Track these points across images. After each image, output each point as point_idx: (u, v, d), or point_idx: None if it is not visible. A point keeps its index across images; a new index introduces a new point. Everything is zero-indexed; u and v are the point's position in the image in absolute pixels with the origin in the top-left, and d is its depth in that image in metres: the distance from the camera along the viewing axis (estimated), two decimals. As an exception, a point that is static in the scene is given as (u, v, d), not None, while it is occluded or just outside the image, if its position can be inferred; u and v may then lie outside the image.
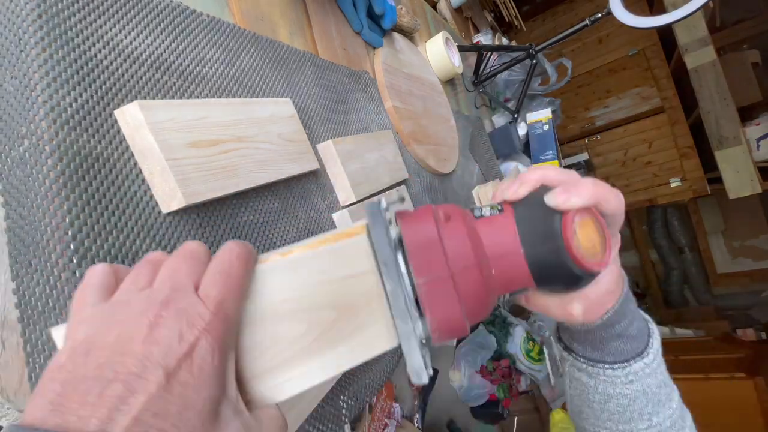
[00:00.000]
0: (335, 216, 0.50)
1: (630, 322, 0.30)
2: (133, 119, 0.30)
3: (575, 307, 0.27)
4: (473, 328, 0.30)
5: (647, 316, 0.33)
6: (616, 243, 0.27)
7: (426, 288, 0.22)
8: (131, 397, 0.15)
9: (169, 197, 0.31)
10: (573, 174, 0.25)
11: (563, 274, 0.23)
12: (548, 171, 0.25)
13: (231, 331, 0.19)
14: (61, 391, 0.15)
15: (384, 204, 0.23)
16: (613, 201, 0.24)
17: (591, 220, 0.23)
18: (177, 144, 0.32)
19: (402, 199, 0.26)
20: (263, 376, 0.20)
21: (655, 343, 0.31)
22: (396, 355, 0.52)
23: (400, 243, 0.22)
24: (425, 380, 0.22)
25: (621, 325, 0.30)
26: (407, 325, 0.21)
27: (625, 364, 0.30)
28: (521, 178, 0.25)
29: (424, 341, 0.22)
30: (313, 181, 0.49)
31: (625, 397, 0.31)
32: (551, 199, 0.23)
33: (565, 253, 0.22)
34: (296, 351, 0.21)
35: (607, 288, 0.27)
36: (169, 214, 0.32)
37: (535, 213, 0.24)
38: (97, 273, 0.20)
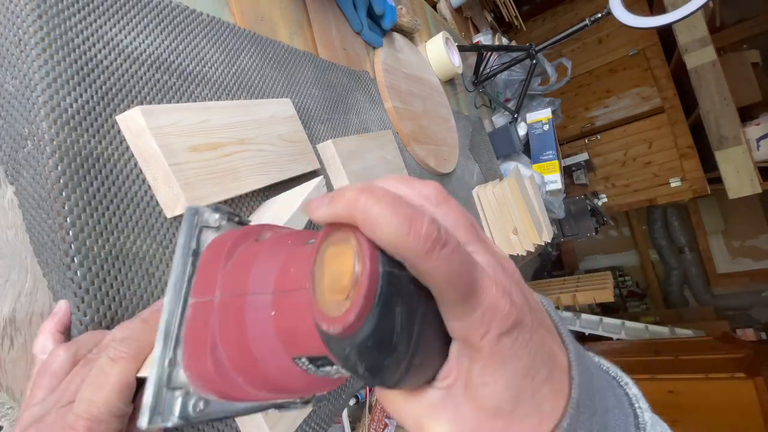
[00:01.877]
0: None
1: (604, 413, 0.17)
2: (136, 125, 0.30)
3: (434, 426, 0.16)
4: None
5: (639, 421, 0.19)
6: (503, 307, 0.14)
7: (191, 312, 0.19)
8: None
9: (173, 202, 0.31)
10: (392, 183, 0.16)
11: (319, 331, 0.14)
12: (368, 200, 0.13)
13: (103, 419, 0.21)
14: None
15: (204, 211, 0.21)
16: (387, 227, 0.12)
17: (348, 246, 0.13)
18: (179, 149, 0.32)
19: (235, 217, 0.23)
20: None
21: (640, 402, 0.20)
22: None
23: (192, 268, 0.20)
24: (143, 425, 0.17)
25: None
26: (161, 349, 0.18)
27: None
28: (333, 194, 0.14)
29: (173, 379, 0.18)
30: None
31: None
32: (307, 207, 0.15)
33: (313, 290, 0.14)
34: None
35: (496, 408, 0.15)
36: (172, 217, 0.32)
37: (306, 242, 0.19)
38: (48, 375, 0.23)
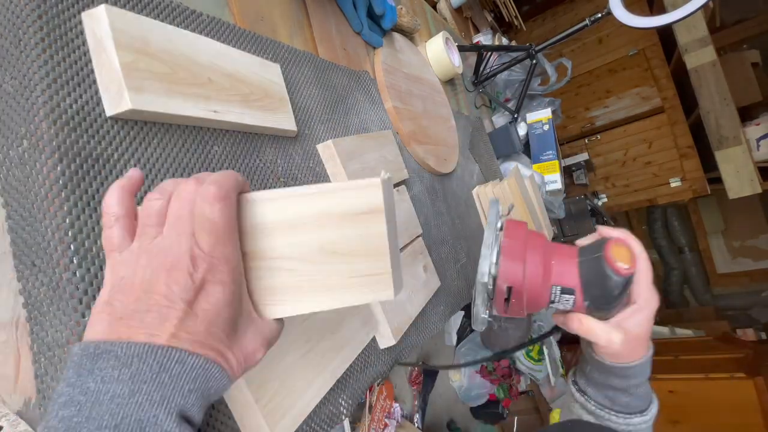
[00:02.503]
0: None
1: (642, 385, 0.37)
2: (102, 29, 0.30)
3: (616, 335, 0.34)
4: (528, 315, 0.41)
5: (653, 393, 0.40)
6: (651, 297, 0.35)
7: (507, 243, 0.36)
8: (165, 322, 0.21)
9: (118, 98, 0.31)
10: (615, 228, 0.38)
11: (600, 275, 0.33)
12: (603, 230, 0.38)
13: (230, 263, 0.23)
14: (110, 321, 0.21)
15: (501, 204, 0.41)
16: (637, 245, 0.35)
17: (624, 246, 0.34)
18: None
19: (511, 208, 0.43)
20: (268, 296, 0.26)
21: (654, 410, 0.38)
22: (392, 355, 0.52)
23: (501, 226, 0.38)
24: (486, 280, 0.35)
25: (635, 382, 0.37)
26: (487, 251, 0.35)
27: (628, 416, 0.38)
28: (588, 237, 0.39)
29: (491, 272, 0.35)
30: (312, 180, 0.49)
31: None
32: (601, 230, 0.37)
33: (603, 258, 0.33)
34: (295, 283, 0.26)
35: (640, 333, 0.35)
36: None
37: (590, 245, 0.36)
38: (117, 219, 0.23)
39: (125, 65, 0.30)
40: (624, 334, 0.34)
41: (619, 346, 0.34)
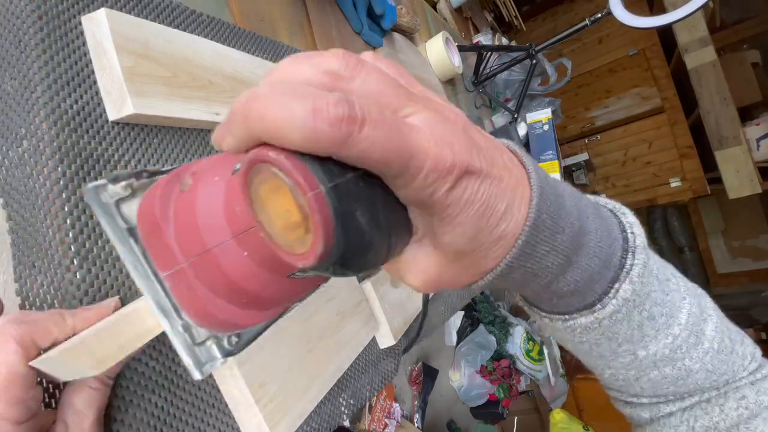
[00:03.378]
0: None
1: (555, 279, 0.19)
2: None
3: (409, 277, 0.18)
4: (280, 314, 0.21)
5: (627, 246, 0.21)
6: (442, 184, 0.14)
7: (170, 284, 0.18)
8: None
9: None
10: (284, 73, 0.14)
11: (287, 265, 0.14)
12: (264, 104, 0.12)
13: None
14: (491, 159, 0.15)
15: (106, 184, 0.18)
16: (293, 130, 0.11)
17: (280, 181, 0.12)
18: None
19: (143, 173, 0.19)
20: None
21: (626, 288, 0.20)
22: (396, 357, 0.52)
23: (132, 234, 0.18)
24: (197, 377, 0.19)
25: (534, 286, 0.20)
26: (168, 323, 0.19)
27: (565, 317, 0.22)
28: (230, 114, 0.13)
29: (197, 337, 0.19)
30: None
31: (582, 344, 0.24)
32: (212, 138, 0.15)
33: (265, 233, 0.14)
34: None
35: (460, 249, 0.16)
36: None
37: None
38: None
39: (126, 69, 0.30)
40: (419, 278, 0.18)
41: (423, 288, 0.19)
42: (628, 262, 0.21)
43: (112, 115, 0.30)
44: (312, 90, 0.12)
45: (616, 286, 0.20)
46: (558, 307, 0.22)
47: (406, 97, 0.14)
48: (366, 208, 0.13)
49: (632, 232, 0.21)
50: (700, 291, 0.27)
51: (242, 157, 0.14)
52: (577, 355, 0.27)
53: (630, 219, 0.22)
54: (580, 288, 0.20)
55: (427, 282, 0.18)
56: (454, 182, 0.14)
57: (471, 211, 0.15)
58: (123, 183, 0.18)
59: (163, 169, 0.20)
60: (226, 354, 0.20)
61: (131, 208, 0.19)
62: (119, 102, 0.30)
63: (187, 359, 0.19)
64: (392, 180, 0.14)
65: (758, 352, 0.27)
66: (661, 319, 0.23)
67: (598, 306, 0.21)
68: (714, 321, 0.25)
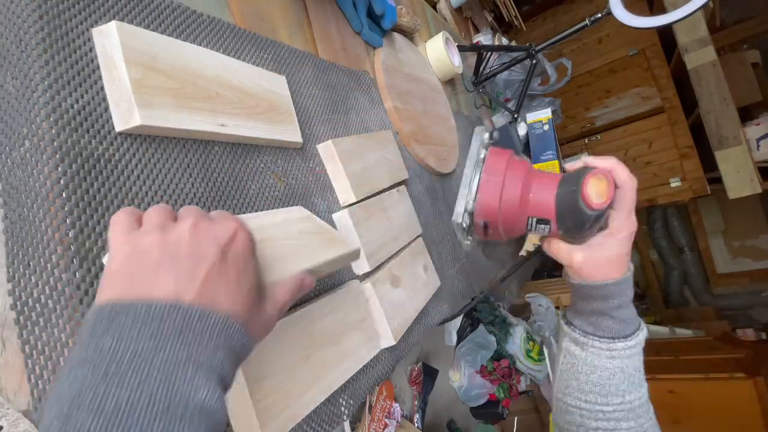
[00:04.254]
0: (335, 216, 0.50)
1: (623, 307, 0.37)
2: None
3: (577, 253, 0.37)
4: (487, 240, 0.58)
5: (641, 319, 0.40)
6: (628, 222, 0.37)
7: (485, 179, 0.39)
8: (198, 267, 0.21)
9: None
10: (601, 156, 0.38)
11: (573, 207, 0.35)
12: (591, 158, 0.38)
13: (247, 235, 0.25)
14: (127, 282, 0.20)
15: (485, 132, 0.49)
16: (624, 173, 0.36)
17: (604, 178, 0.35)
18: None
19: (496, 135, 0.45)
20: (278, 264, 0.28)
21: (641, 336, 0.39)
22: (393, 355, 0.52)
23: (483, 158, 0.40)
24: (458, 220, 0.36)
25: (614, 302, 0.37)
26: (464, 190, 0.36)
27: (611, 340, 0.38)
28: (603, 158, 0.38)
29: (468, 209, 0.36)
30: (312, 180, 0.49)
31: (606, 370, 0.38)
32: (584, 159, 0.38)
33: (579, 192, 0.34)
34: (290, 250, 0.31)
35: (609, 256, 0.37)
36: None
37: (575, 172, 0.37)
38: (125, 213, 0.23)
39: (135, 81, 0.30)
40: (586, 255, 0.37)
41: (581, 262, 0.37)
42: (642, 324, 0.40)
43: (120, 125, 0.30)
44: (632, 177, 0.38)
45: (637, 332, 0.39)
46: (607, 332, 0.38)
47: (635, 204, 0.40)
48: (608, 214, 0.37)
49: (643, 326, 0.41)
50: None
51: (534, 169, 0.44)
52: (587, 394, 0.40)
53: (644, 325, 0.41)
54: (626, 320, 0.38)
55: (585, 263, 0.38)
56: (631, 231, 0.38)
57: (623, 247, 0.37)
58: (487, 137, 0.56)
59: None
60: (465, 225, 0.43)
61: (481, 151, 0.42)
62: (127, 113, 0.30)
63: (460, 208, 0.43)
64: (620, 213, 0.37)
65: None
66: (642, 375, 0.39)
67: (631, 337, 0.38)
68: (652, 408, 0.41)
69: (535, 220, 0.38)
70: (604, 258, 0.37)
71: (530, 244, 0.42)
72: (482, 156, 0.39)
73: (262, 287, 0.25)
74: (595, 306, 0.38)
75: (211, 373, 0.19)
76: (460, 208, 0.38)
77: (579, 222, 0.36)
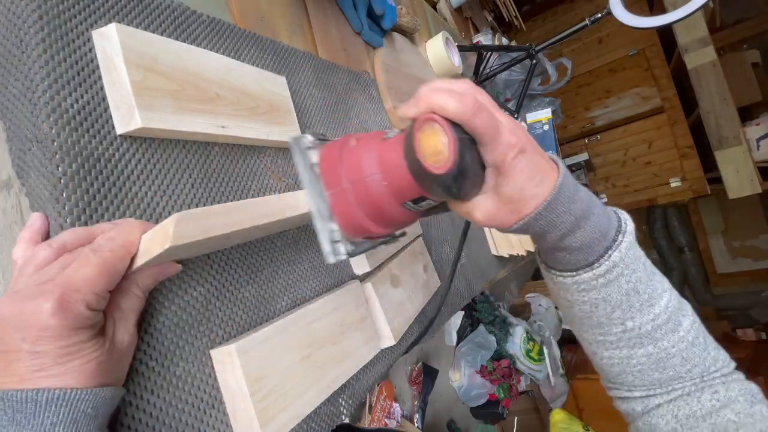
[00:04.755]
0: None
1: (564, 235, 0.29)
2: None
3: (476, 212, 0.29)
4: (395, 236, 0.36)
5: (620, 228, 0.30)
6: (506, 141, 0.26)
7: (331, 197, 0.30)
8: (10, 365, 0.21)
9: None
10: (444, 87, 0.26)
11: (428, 178, 0.26)
12: (436, 96, 0.25)
13: (76, 291, 0.23)
14: None
15: (304, 137, 0.31)
16: (450, 105, 0.24)
17: (432, 127, 0.25)
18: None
19: (322, 137, 0.33)
20: None
21: (615, 255, 0.30)
22: (394, 354, 0.52)
23: (313, 169, 0.31)
24: (330, 260, 0.30)
25: (551, 238, 0.29)
26: (320, 223, 0.30)
27: (573, 273, 0.31)
28: (415, 99, 0.27)
29: (336, 237, 0.31)
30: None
31: (585, 304, 0.32)
32: (399, 112, 0.28)
33: (416, 159, 0.26)
34: None
35: (511, 198, 0.27)
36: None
37: (406, 131, 0.28)
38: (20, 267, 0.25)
39: (135, 84, 0.30)
40: (496, 202, 0.28)
41: (485, 216, 0.28)
42: (619, 238, 0.30)
43: (121, 128, 0.31)
44: (464, 92, 0.25)
45: (609, 252, 0.30)
46: (567, 264, 0.31)
47: (497, 107, 0.27)
48: (471, 155, 0.26)
49: (625, 222, 0.31)
50: (682, 300, 0.34)
51: (385, 133, 0.30)
52: (580, 326, 0.35)
53: (625, 216, 0.32)
54: (583, 247, 0.29)
55: (487, 217, 0.29)
56: (516, 154, 0.26)
57: (521, 173, 0.26)
58: (311, 139, 0.32)
59: (332, 138, 0.33)
60: (346, 253, 0.31)
61: (312, 153, 0.31)
62: (128, 116, 0.30)
63: (326, 247, 0.31)
64: (484, 146, 0.26)
65: (732, 363, 0.34)
66: (644, 296, 0.31)
67: (596, 264, 0.30)
68: (690, 319, 0.33)
69: (410, 203, 0.29)
70: (507, 199, 0.27)
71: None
72: (313, 162, 0.31)
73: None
74: (543, 245, 0.32)
75: None
76: (327, 247, 0.31)
77: (446, 190, 0.26)
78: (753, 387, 0.33)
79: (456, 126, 0.25)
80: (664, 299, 0.32)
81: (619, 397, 0.37)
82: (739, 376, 0.34)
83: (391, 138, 0.29)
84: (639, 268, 0.31)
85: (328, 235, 0.30)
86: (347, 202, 0.29)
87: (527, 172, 0.26)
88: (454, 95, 0.25)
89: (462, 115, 0.24)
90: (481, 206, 0.29)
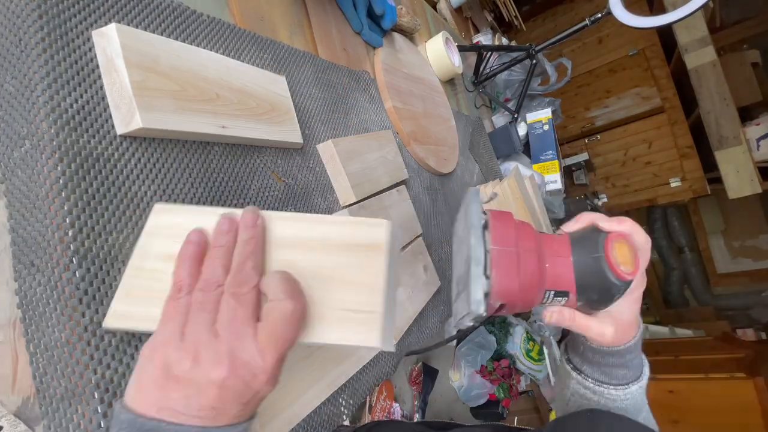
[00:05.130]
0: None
1: (636, 356, 0.38)
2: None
3: (608, 328, 0.34)
4: (516, 314, 0.39)
5: (643, 355, 0.41)
6: (641, 281, 0.34)
7: (496, 252, 0.31)
8: (215, 418, 0.22)
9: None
10: (615, 218, 0.33)
11: (600, 279, 0.30)
12: (596, 215, 0.34)
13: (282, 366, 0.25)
14: (163, 391, 0.22)
15: (482, 192, 0.35)
16: (641, 236, 0.32)
17: (626, 243, 0.30)
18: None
19: (494, 196, 0.38)
20: None
21: (647, 370, 0.40)
22: (395, 355, 0.52)
23: (485, 224, 0.32)
24: (481, 311, 0.30)
25: (630, 356, 0.37)
26: (475, 270, 0.30)
27: (626, 386, 0.39)
28: (577, 219, 0.35)
29: (487, 290, 0.31)
30: (312, 180, 0.49)
31: (619, 410, 0.39)
32: (601, 223, 0.33)
33: (604, 261, 0.30)
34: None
35: (631, 319, 0.35)
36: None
37: (586, 234, 0.32)
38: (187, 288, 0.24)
39: (136, 84, 0.30)
40: (616, 326, 0.34)
41: (613, 337, 0.34)
42: (643, 357, 0.40)
43: (121, 128, 0.31)
44: (648, 240, 0.34)
45: (644, 368, 0.40)
46: (623, 378, 0.39)
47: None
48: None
49: (646, 365, 0.41)
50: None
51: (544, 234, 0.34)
52: (567, 405, 0.43)
53: (645, 359, 0.41)
54: (637, 365, 0.39)
55: (615, 334, 0.35)
56: (640, 295, 0.35)
57: (636, 306, 0.35)
58: (488, 198, 0.37)
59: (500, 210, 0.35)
60: (484, 313, 0.31)
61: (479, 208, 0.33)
62: (128, 116, 0.30)
63: (479, 295, 0.30)
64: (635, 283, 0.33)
65: None
66: (642, 402, 0.41)
67: (640, 377, 0.39)
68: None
69: (552, 293, 0.32)
70: (626, 324, 0.35)
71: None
72: (483, 222, 0.32)
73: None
74: (611, 361, 0.38)
75: None
76: (478, 295, 0.30)
77: (607, 294, 0.31)
78: None
79: None
80: (646, 406, 0.42)
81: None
82: None
83: (554, 235, 0.34)
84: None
85: (483, 285, 0.30)
86: (512, 262, 0.31)
87: (636, 307, 0.35)
88: (644, 235, 0.33)
89: (643, 246, 0.32)
90: (609, 327, 0.35)
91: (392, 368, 0.51)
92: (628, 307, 0.34)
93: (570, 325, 0.35)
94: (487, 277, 0.30)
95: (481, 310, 0.30)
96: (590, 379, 0.40)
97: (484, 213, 0.33)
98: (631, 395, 0.39)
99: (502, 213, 0.34)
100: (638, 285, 0.34)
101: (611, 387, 0.39)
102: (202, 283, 0.24)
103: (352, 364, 0.43)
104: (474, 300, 0.30)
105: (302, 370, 0.37)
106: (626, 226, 0.32)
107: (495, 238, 0.31)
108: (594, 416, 0.35)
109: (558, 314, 0.35)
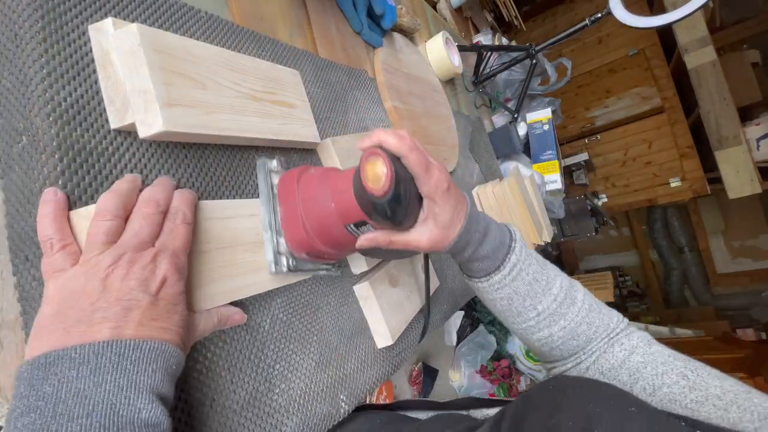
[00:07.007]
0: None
1: (476, 248, 0.39)
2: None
3: (423, 236, 0.36)
4: (334, 257, 0.42)
5: (512, 237, 0.41)
6: (440, 176, 0.34)
7: (282, 211, 0.35)
8: (130, 313, 0.23)
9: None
10: (390, 131, 0.33)
11: (370, 201, 0.31)
12: (378, 132, 0.33)
13: (183, 265, 0.28)
14: (63, 330, 0.21)
15: (271, 161, 0.39)
16: (392, 139, 0.32)
17: (379, 158, 0.31)
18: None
19: (284, 163, 0.41)
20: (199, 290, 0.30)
21: (512, 257, 0.40)
22: (395, 357, 0.52)
23: (272, 188, 0.36)
24: (272, 270, 0.35)
25: (468, 252, 0.39)
26: (268, 234, 0.35)
27: (486, 277, 0.41)
28: (368, 136, 0.34)
29: (281, 249, 0.36)
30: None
31: (503, 299, 0.41)
32: (360, 144, 0.33)
33: (361, 184, 0.31)
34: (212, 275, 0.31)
35: (446, 220, 0.36)
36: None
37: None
38: (53, 244, 0.25)
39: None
40: (436, 231, 0.36)
41: (429, 242, 0.36)
42: (513, 244, 0.41)
43: (115, 123, 0.30)
44: (404, 136, 0.32)
45: (508, 256, 0.40)
46: (482, 271, 0.41)
47: (426, 151, 0.34)
48: (407, 188, 0.32)
49: (514, 232, 0.42)
50: (572, 279, 0.43)
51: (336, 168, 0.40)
52: (507, 319, 0.43)
53: (513, 227, 0.43)
54: (490, 255, 0.40)
55: (431, 242, 0.36)
56: (446, 188, 0.34)
57: (451, 204, 0.35)
58: (276, 163, 0.39)
59: (293, 167, 0.39)
60: (288, 268, 0.35)
61: (275, 177, 0.38)
62: (122, 110, 0.30)
63: (270, 257, 0.35)
64: (419, 180, 0.33)
65: (625, 319, 0.42)
66: (543, 283, 0.41)
67: (501, 267, 0.40)
68: (582, 292, 0.42)
69: (352, 226, 0.34)
70: (441, 225, 0.35)
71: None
72: (274, 183, 0.36)
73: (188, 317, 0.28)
74: (458, 259, 0.41)
75: (151, 393, 0.22)
76: (270, 257, 0.35)
77: (382, 212, 0.31)
78: (645, 333, 0.40)
79: (398, 163, 0.31)
80: (558, 281, 0.41)
81: (552, 369, 0.44)
82: (633, 328, 0.41)
83: (345, 171, 0.36)
84: (532, 262, 0.41)
85: (274, 246, 0.34)
86: (296, 216, 0.34)
87: (453, 202, 0.35)
88: (397, 136, 0.32)
89: (399, 149, 0.31)
90: (425, 234, 0.36)
91: (392, 368, 0.51)
92: (443, 209, 0.35)
93: (391, 245, 0.36)
94: (280, 238, 0.34)
95: (273, 269, 0.34)
96: (466, 277, 0.44)
97: (276, 175, 0.37)
98: (499, 284, 0.40)
99: (288, 172, 0.37)
100: (433, 185, 0.33)
101: (476, 280, 0.42)
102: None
103: (245, 287, 0.35)
104: (268, 261, 0.34)
105: (197, 263, 0.35)
106: (374, 137, 0.32)
107: (281, 198, 0.35)
108: (558, 384, 0.33)
109: (369, 240, 0.36)
